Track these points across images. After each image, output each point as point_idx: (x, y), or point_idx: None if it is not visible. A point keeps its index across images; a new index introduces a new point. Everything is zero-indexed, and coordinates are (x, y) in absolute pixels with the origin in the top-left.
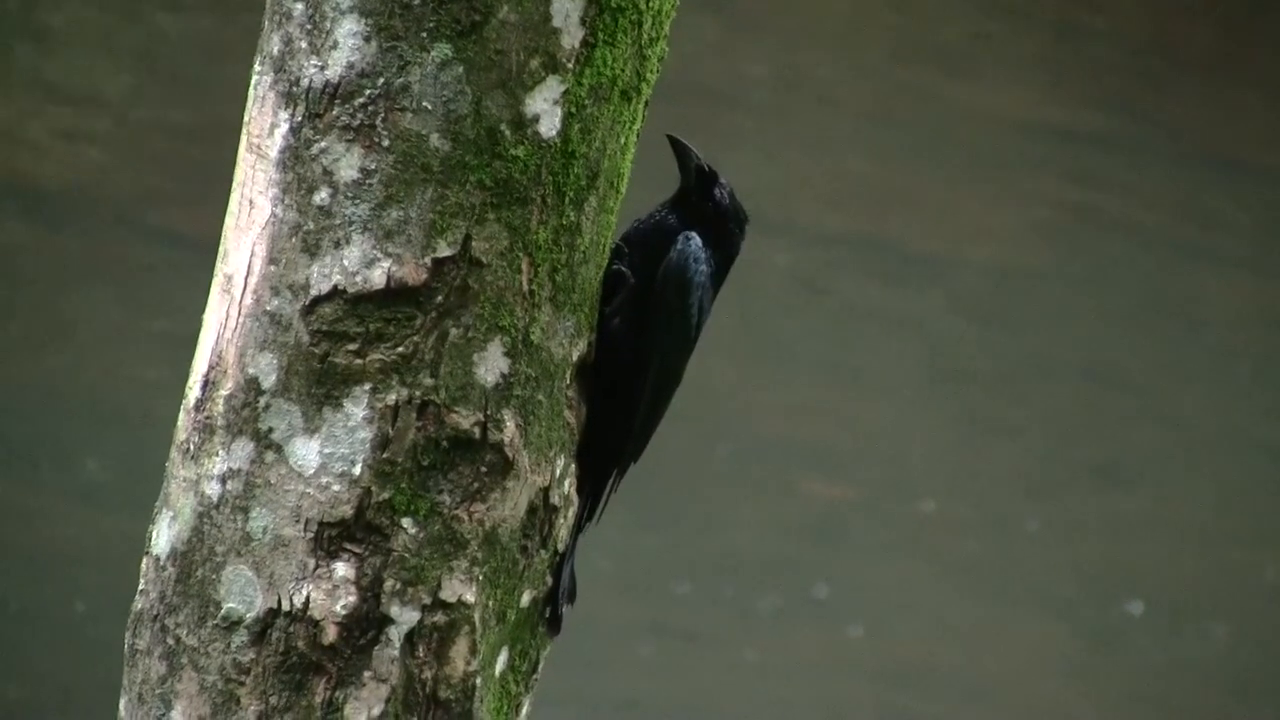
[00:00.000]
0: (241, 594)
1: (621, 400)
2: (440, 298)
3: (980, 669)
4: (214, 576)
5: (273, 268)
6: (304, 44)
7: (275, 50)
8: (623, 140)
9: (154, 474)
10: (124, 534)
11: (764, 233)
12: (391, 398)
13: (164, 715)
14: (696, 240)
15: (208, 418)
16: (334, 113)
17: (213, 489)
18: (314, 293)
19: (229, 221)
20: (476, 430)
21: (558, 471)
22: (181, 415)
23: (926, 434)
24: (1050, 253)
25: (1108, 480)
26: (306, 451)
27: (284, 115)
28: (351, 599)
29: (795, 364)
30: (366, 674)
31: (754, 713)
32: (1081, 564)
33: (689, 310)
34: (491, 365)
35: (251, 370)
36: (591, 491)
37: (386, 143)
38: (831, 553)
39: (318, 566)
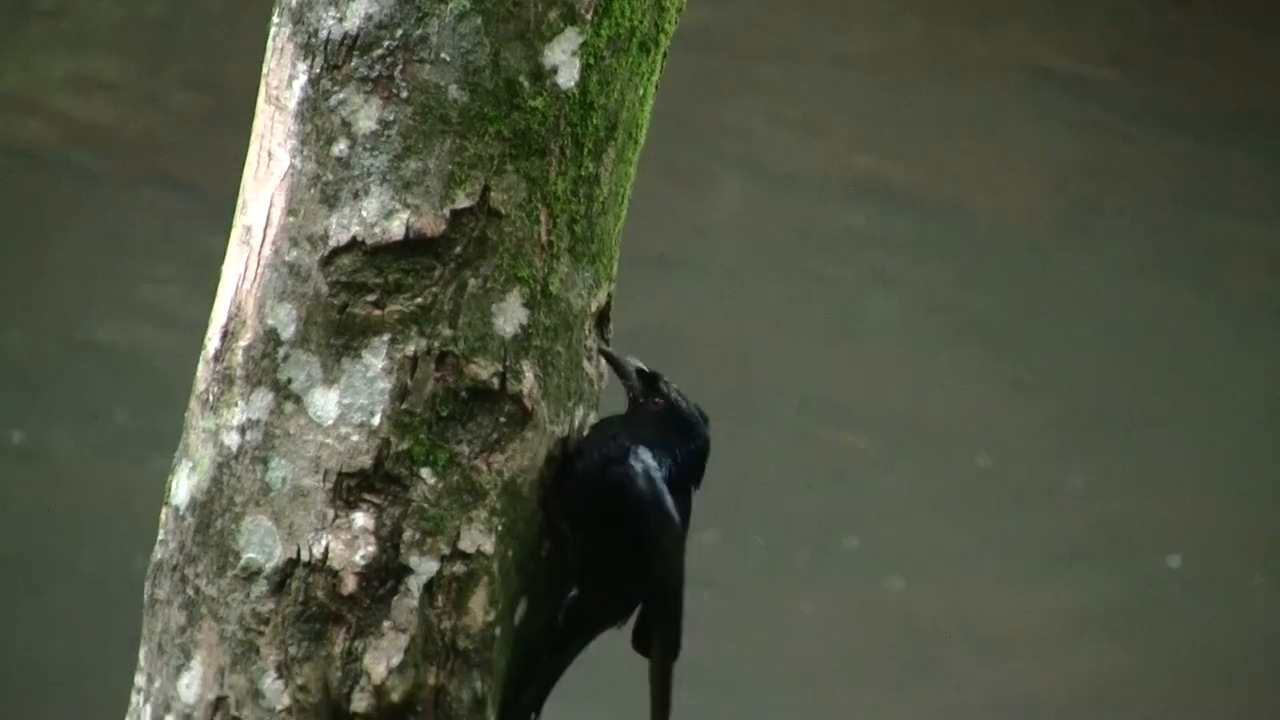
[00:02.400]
0: (261, 544)
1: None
2: (459, 249)
3: (1018, 623)
4: (233, 527)
5: (291, 219)
6: None
7: (294, 2)
8: (641, 91)
9: (176, 424)
10: (146, 484)
11: (779, 183)
12: (410, 348)
13: (184, 665)
14: (644, 455)
15: (227, 368)
16: (352, 64)
17: (232, 439)
18: (333, 244)
19: (248, 173)
20: (495, 381)
21: (577, 422)
22: (200, 366)
23: (947, 387)
24: (1066, 205)
25: (1140, 435)
26: (325, 402)
27: (302, 67)
28: (370, 549)
29: (815, 315)
30: (386, 624)
31: (781, 663)
32: (1120, 518)
33: (667, 516)
34: (510, 316)
35: (270, 321)
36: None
37: (405, 94)
38: (859, 505)
39: (337, 517)
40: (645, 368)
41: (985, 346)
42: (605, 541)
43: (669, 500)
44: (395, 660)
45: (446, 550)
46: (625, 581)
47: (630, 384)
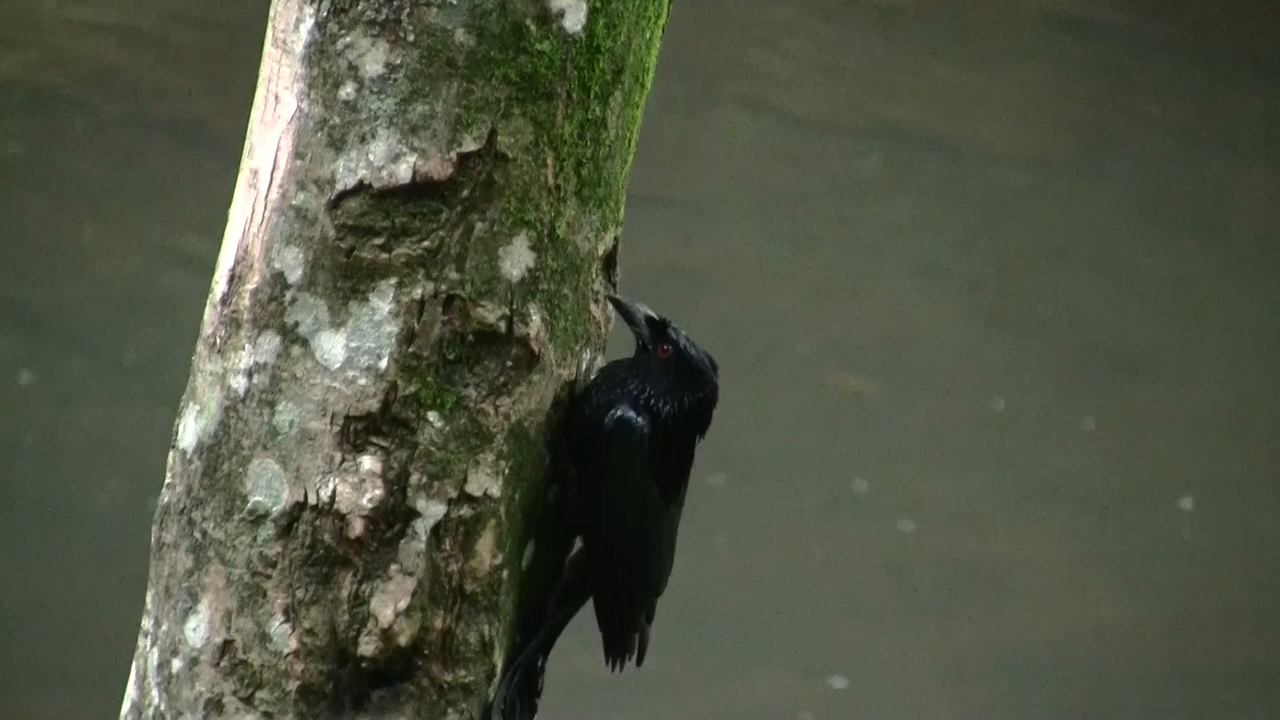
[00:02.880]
0: (268, 488)
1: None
2: (466, 192)
3: (1028, 566)
4: (240, 470)
5: (299, 162)
6: None
7: None
8: (648, 35)
9: (184, 367)
10: (155, 426)
11: (794, 125)
12: (417, 292)
13: (191, 608)
14: (626, 413)
15: (234, 312)
16: (359, 7)
17: (239, 383)
18: (340, 187)
19: (255, 116)
20: (502, 324)
21: (584, 365)
22: (208, 310)
23: (956, 327)
24: (1074, 145)
25: (1152, 376)
26: (332, 345)
27: (309, 10)
28: (378, 492)
29: (823, 255)
30: (393, 567)
31: (790, 605)
32: (1131, 461)
33: (633, 475)
34: (517, 259)
35: (277, 265)
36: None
37: (411, 38)
38: (867, 448)
39: (344, 460)
40: (654, 314)
41: (998, 289)
42: None
43: (640, 468)
44: (402, 604)
45: (454, 494)
46: None
47: (639, 330)
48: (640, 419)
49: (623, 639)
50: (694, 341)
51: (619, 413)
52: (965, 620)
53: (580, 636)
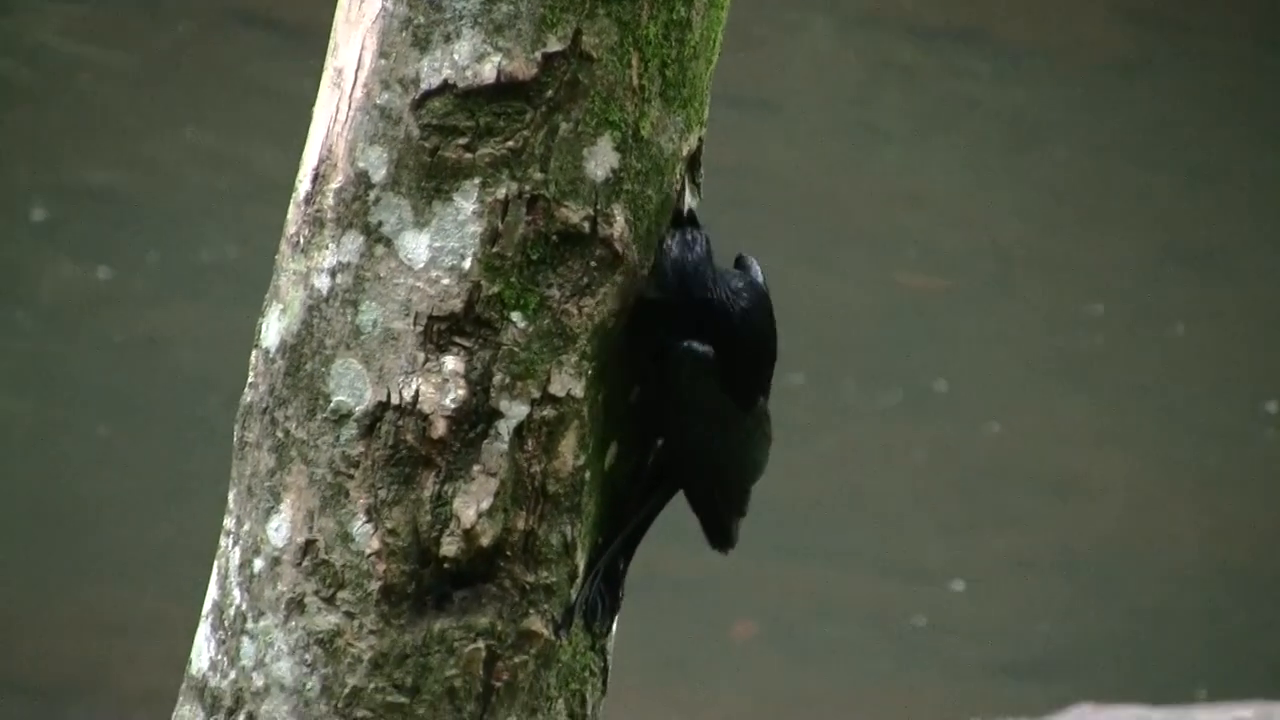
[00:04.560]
0: (351, 387)
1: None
2: (550, 92)
3: (1108, 471)
4: (323, 370)
5: (383, 62)
6: None
7: None
8: None
9: (261, 266)
10: (229, 324)
11: (867, 23)
12: (501, 192)
13: (273, 508)
14: (688, 343)
15: (317, 211)
16: None
17: (322, 282)
18: (424, 87)
19: (339, 15)
20: (586, 225)
21: None
22: (291, 208)
23: (1031, 227)
24: (1146, 45)
25: (1237, 278)
26: (416, 245)
27: None
28: (460, 393)
29: (893, 155)
30: (475, 468)
31: (861, 502)
32: (1217, 363)
33: (704, 399)
34: (601, 160)
35: (361, 164)
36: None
37: None
38: (946, 348)
39: (427, 360)
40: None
41: (1075, 189)
42: None
43: (711, 392)
44: (485, 504)
45: (536, 394)
46: None
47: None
48: (704, 348)
49: (723, 528)
50: (693, 247)
51: (685, 344)
52: (1038, 520)
53: (668, 534)
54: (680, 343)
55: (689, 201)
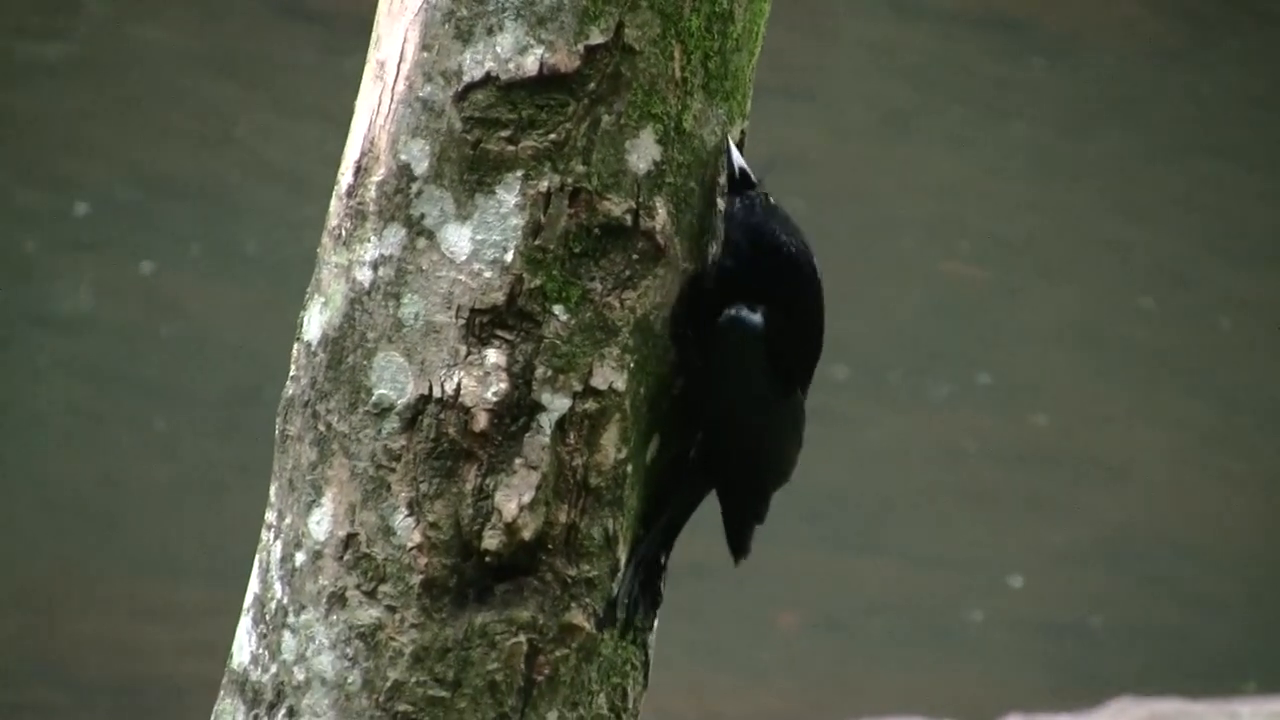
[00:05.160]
0: (393, 380)
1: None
2: (593, 85)
3: (1161, 462)
4: (365, 363)
5: (425, 54)
6: None
7: None
8: None
9: (304, 257)
10: (273, 316)
11: (907, 13)
12: (544, 184)
13: (315, 501)
14: (740, 311)
15: (359, 204)
16: None
17: (364, 275)
18: (466, 79)
19: (382, 7)
20: (628, 217)
21: (709, 259)
22: (333, 201)
23: (1079, 217)
24: (1196, 34)
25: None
26: (458, 238)
27: None
28: (503, 386)
29: (937, 146)
30: (517, 461)
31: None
32: (1265, 353)
33: (750, 373)
34: (643, 153)
35: (404, 156)
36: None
37: None
38: (993, 339)
39: (469, 353)
40: (750, 173)
41: (1116, 179)
42: None
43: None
44: (527, 497)
45: (579, 387)
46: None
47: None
48: (755, 316)
49: (741, 534)
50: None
51: (734, 311)
52: (1105, 515)
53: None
54: (730, 309)
55: (738, 162)
